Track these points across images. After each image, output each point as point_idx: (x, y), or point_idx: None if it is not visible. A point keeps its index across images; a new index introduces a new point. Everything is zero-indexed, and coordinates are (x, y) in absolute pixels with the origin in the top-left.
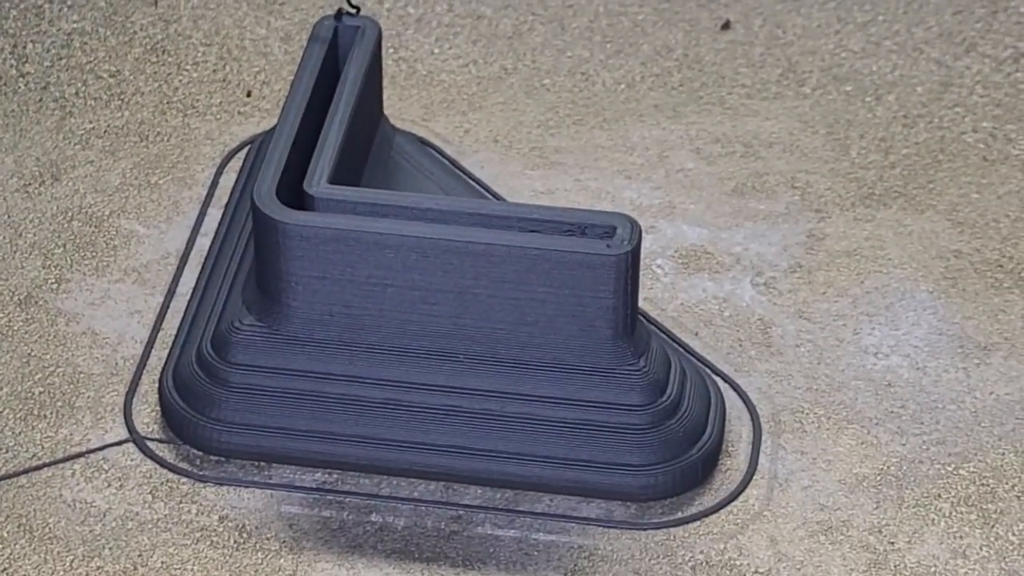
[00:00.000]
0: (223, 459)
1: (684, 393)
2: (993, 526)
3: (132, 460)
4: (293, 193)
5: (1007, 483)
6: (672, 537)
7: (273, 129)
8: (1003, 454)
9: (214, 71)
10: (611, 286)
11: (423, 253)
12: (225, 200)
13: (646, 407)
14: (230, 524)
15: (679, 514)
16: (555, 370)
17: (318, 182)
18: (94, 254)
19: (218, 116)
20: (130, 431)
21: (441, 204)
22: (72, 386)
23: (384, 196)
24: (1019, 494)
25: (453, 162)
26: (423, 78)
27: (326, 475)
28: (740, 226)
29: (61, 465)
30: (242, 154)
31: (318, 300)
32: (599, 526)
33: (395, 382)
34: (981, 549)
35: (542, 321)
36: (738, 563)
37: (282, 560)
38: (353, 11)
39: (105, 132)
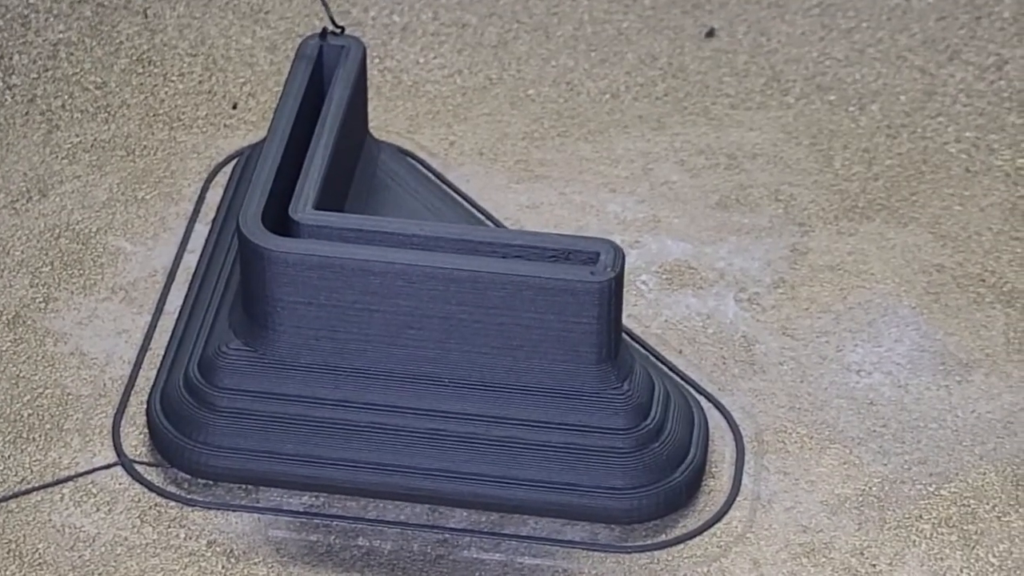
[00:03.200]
0: (211, 482)
1: (668, 415)
2: (973, 548)
3: (120, 484)
4: (278, 218)
5: (987, 503)
6: (656, 560)
7: (259, 144)
8: (984, 474)
9: (200, 82)
10: (595, 312)
11: (408, 280)
12: (211, 216)
13: (630, 431)
14: (218, 549)
15: (663, 537)
16: (540, 394)
17: (303, 208)
18: (82, 272)
19: (204, 129)
20: (118, 454)
21: (426, 230)
22: (61, 408)
23: (369, 222)
24: (999, 515)
25: (439, 176)
26: (408, 89)
27: (313, 498)
28: (724, 240)
29: (50, 489)
30: (228, 168)
31: (304, 325)
32: (584, 549)
33: (381, 406)
34: (961, 571)
35: (526, 346)
36: None
37: None
38: (338, 31)
39: (92, 146)
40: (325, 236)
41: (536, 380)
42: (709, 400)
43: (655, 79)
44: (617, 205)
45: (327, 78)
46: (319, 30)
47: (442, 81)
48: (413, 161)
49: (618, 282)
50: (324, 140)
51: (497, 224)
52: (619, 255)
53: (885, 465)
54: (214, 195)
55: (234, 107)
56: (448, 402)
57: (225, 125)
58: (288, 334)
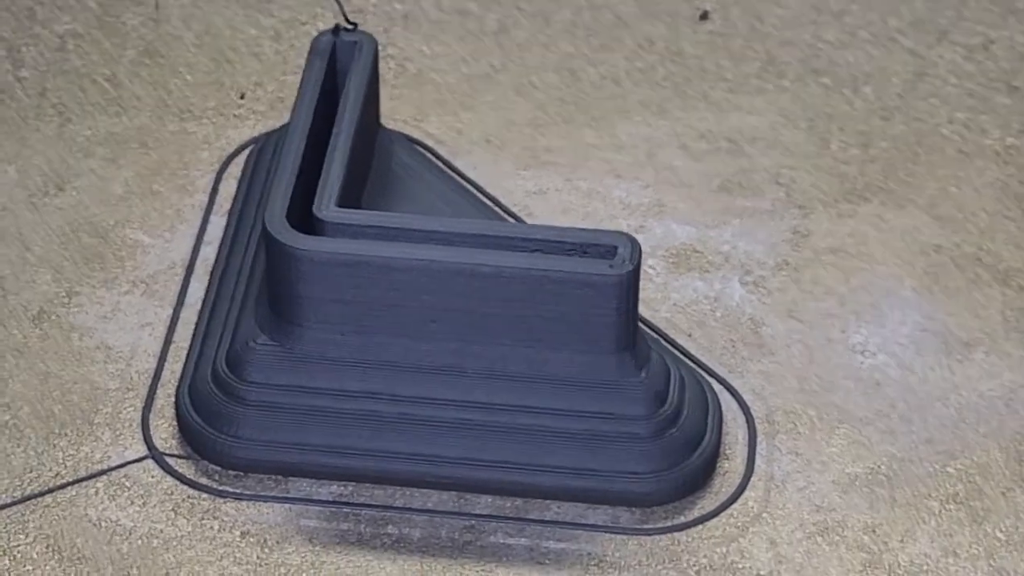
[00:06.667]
0: (241, 474)
1: (683, 400)
2: (981, 523)
3: (153, 477)
4: (301, 214)
5: (992, 480)
6: (676, 542)
7: (270, 134)
8: (988, 451)
9: (207, 73)
10: (614, 304)
11: (432, 275)
12: (226, 207)
13: (649, 417)
14: (252, 540)
15: (682, 518)
16: (561, 383)
17: (327, 206)
18: (102, 266)
19: (214, 120)
20: (149, 447)
21: (447, 226)
22: (90, 403)
23: (391, 219)
24: (1004, 491)
25: (447, 164)
26: (413, 77)
27: (341, 488)
28: (727, 224)
29: (84, 483)
30: (239, 159)
31: (330, 321)
32: (606, 532)
33: (407, 397)
34: (971, 547)
35: (547, 338)
36: (740, 566)
37: (304, 575)
38: (351, 27)
39: (105, 139)
40: (349, 234)
41: (557, 370)
42: (720, 383)
43: (654, 64)
44: (622, 191)
45: (340, 73)
46: (326, 21)
47: (447, 69)
48: (423, 151)
49: (635, 274)
50: (343, 137)
51: (506, 211)
52: (636, 248)
53: (893, 445)
54: (227, 186)
55: (242, 97)
56: (472, 392)
57: (234, 115)
58: (315, 330)
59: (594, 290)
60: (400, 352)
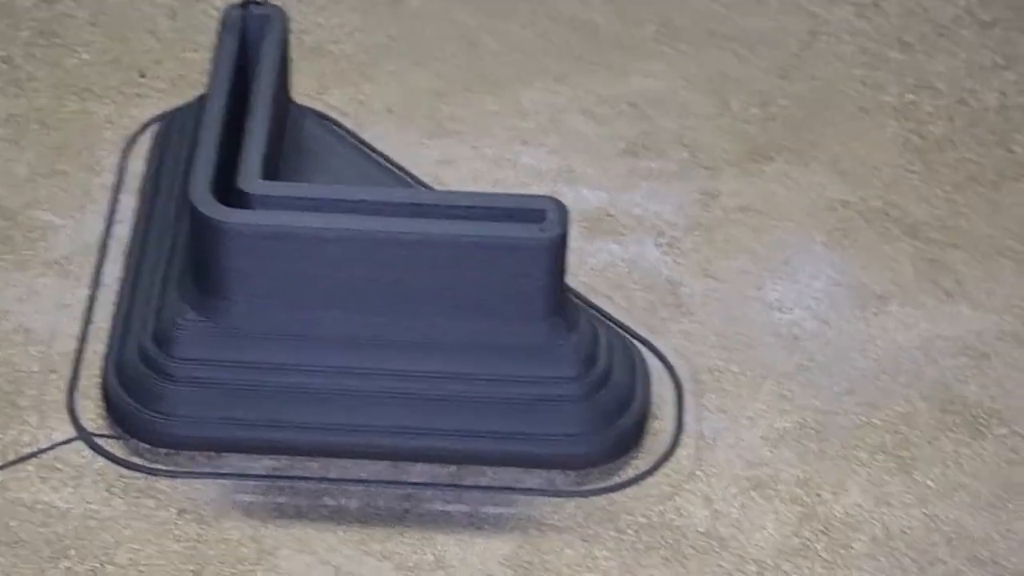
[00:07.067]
0: (172, 452)
1: (612, 362)
2: (911, 472)
3: (83, 458)
4: (220, 189)
5: (917, 429)
6: (613, 502)
7: (174, 112)
8: (911, 401)
9: (104, 52)
10: (544, 267)
11: (361, 245)
12: (135, 186)
13: (580, 379)
14: (189, 517)
15: (617, 479)
16: (493, 349)
17: (251, 179)
18: (14, 248)
19: (115, 99)
20: (77, 429)
21: (375, 195)
22: (13, 385)
23: (318, 190)
24: (929, 440)
25: (355, 136)
26: (311, 50)
27: (275, 461)
28: (636, 187)
29: (14, 467)
30: (144, 138)
31: (259, 295)
32: (543, 495)
33: (338, 368)
34: (902, 496)
35: (478, 304)
36: (678, 524)
37: (245, 549)
38: (260, 0)
39: (5, 121)
40: (275, 206)
41: (489, 335)
42: (643, 344)
43: (550, 31)
44: (530, 157)
45: (249, 46)
46: None
47: (343, 40)
48: (332, 124)
49: (565, 238)
50: (261, 110)
51: (417, 181)
52: (564, 211)
53: (817, 398)
54: (135, 164)
55: (142, 76)
56: (404, 361)
57: (136, 94)
58: (243, 304)
59: (525, 254)
60: (330, 323)
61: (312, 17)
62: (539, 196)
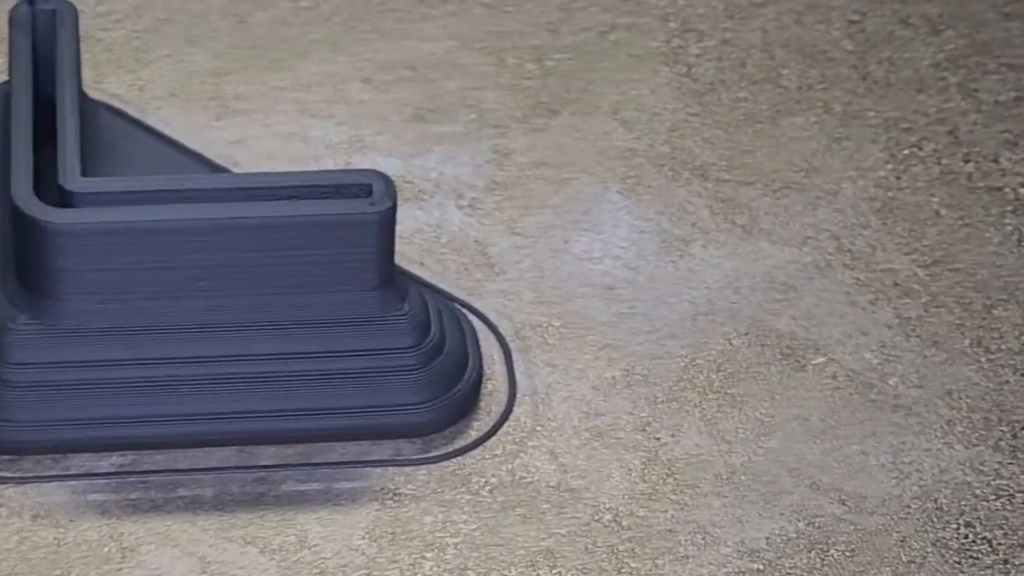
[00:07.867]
0: (15, 457)
1: (444, 328)
2: (742, 408)
3: None
4: (43, 187)
5: (740, 366)
6: (462, 466)
7: None
8: (729, 339)
9: None
10: (375, 240)
11: (193, 235)
12: None
13: (417, 347)
14: (44, 522)
15: (462, 442)
16: (329, 325)
17: (72, 177)
18: None
19: None
20: None
21: (199, 183)
22: None
23: (142, 183)
24: (754, 376)
25: (141, 124)
26: (83, 38)
27: (121, 457)
28: (429, 151)
29: None
30: None
31: (91, 292)
32: (394, 466)
33: (177, 359)
34: (738, 432)
35: (311, 282)
36: (529, 480)
37: (107, 548)
38: None
39: None
40: (101, 202)
41: (324, 312)
42: (463, 306)
43: (319, 2)
44: (320, 130)
45: (39, 41)
46: None
47: (112, 27)
48: (122, 114)
49: (394, 210)
50: (70, 107)
51: (216, 167)
52: (390, 184)
53: (640, 345)
54: None
55: None
56: (242, 345)
57: None
58: (76, 303)
59: (357, 229)
60: (164, 314)
61: (79, 5)
62: (363, 170)
